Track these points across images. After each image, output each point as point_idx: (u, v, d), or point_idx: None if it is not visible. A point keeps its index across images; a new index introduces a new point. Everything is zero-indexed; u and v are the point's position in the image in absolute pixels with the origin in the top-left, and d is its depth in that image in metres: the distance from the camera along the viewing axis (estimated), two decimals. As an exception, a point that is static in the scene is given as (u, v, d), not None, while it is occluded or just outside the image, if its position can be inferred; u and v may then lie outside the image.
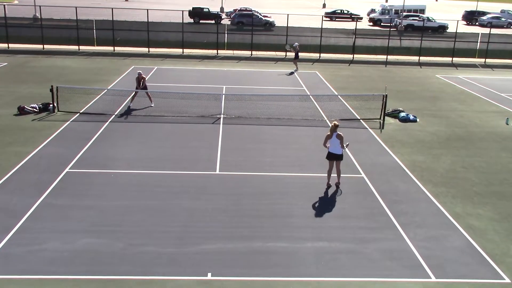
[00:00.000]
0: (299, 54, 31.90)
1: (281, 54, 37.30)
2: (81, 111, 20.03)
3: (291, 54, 33.28)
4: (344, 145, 13.41)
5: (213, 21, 55.18)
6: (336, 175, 13.77)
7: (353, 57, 37.96)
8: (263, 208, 12.22)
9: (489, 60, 38.91)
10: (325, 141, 13.47)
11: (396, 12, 65.51)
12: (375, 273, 9.73)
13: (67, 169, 14.11)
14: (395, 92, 25.77)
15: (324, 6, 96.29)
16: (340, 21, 69.25)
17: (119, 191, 12.86)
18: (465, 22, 73.47)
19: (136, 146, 16.25)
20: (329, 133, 13.37)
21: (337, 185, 13.69)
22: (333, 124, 13.34)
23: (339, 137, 13.27)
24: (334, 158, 13.46)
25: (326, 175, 13.83)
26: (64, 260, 9.74)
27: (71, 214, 11.53)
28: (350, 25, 50.44)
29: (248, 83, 26.88)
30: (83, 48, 36.76)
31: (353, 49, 38.49)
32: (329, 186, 13.68)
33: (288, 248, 10.49)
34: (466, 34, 40.46)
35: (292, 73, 30.41)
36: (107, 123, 18.64)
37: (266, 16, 54.87)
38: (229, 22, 53.30)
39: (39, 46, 36.54)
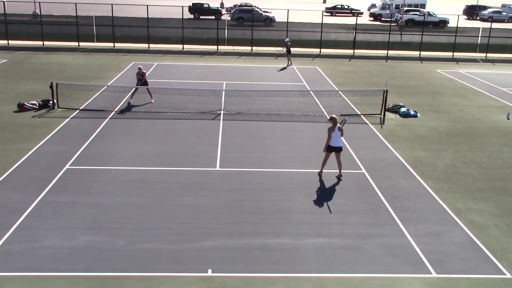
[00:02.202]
0: (291, 49, 31.84)
1: (281, 49, 37.17)
2: (81, 108, 20.00)
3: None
4: (342, 125, 13.73)
5: (213, 17, 55.08)
6: (336, 168, 13.88)
7: (353, 52, 37.87)
8: (263, 204, 12.20)
9: (490, 55, 38.80)
10: (329, 135, 13.54)
11: (397, 7, 65.36)
12: (376, 269, 9.71)
13: (67, 166, 14.09)
14: (395, 87, 25.70)
15: (324, 1, 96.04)
16: (340, 16, 69.08)
17: (119, 187, 12.84)
18: (466, 17, 73.24)
19: (136, 142, 16.22)
20: (331, 125, 13.51)
21: (339, 177, 13.81)
22: (335, 117, 13.52)
23: (341, 130, 13.51)
24: (335, 150, 13.60)
25: (322, 167, 13.97)
26: (64, 257, 9.73)
27: (72, 211, 11.52)
28: (350, 20, 50.34)
29: (249, 78, 26.83)
30: (83, 44, 36.68)
31: (354, 44, 38.38)
32: (320, 175, 13.91)
33: (288, 244, 10.47)
34: (467, 29, 40.34)
35: (284, 68, 30.35)
36: (107, 119, 18.61)
37: (266, 12, 54.73)
38: (229, 18, 53.16)
39: (39, 43, 36.48)
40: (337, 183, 13.57)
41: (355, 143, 16.79)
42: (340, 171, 13.89)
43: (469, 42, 39.10)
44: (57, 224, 10.94)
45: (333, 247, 10.43)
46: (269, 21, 49.56)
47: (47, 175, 13.41)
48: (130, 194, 12.47)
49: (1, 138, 16.24)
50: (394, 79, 28.14)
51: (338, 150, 13.65)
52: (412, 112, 20.61)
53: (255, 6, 57.64)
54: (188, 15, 52.63)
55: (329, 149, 13.68)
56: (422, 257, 10.15)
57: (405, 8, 60.90)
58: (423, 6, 68.16)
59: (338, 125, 13.47)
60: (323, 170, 14.06)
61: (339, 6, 72.73)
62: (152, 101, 21.22)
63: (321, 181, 13.70)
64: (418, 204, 12.53)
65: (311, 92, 23.70)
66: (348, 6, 72.87)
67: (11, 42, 36.35)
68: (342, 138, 13.79)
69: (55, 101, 19.87)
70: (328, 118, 14.07)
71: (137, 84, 21.13)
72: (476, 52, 39.29)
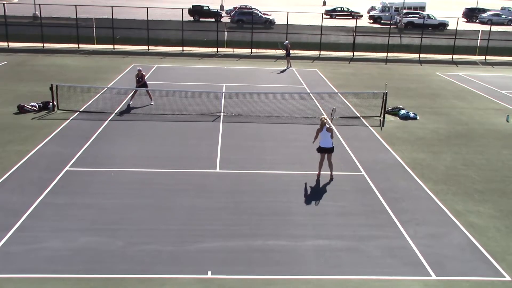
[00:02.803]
0: (290, 51, 31.76)
1: (281, 52, 37.19)
2: (81, 110, 20.02)
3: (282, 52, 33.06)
4: (331, 117, 14.26)
5: (213, 19, 55.11)
6: (328, 170, 14.04)
7: (353, 55, 37.90)
8: (263, 206, 12.20)
9: (489, 58, 38.84)
10: (316, 135, 13.84)
11: (396, 9, 65.40)
12: (375, 270, 9.71)
13: (67, 168, 14.09)
14: (395, 89, 25.73)
15: (324, 3, 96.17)
16: (340, 18, 69.14)
17: (119, 189, 12.85)
18: (465, 19, 73.32)
19: (136, 144, 16.23)
20: (319, 127, 13.66)
21: (331, 178, 13.96)
22: (323, 118, 13.78)
23: (330, 130, 13.63)
24: (325, 151, 13.74)
25: (319, 168, 14.04)
26: (64, 258, 9.73)
27: (71, 213, 11.52)
28: (350, 23, 50.36)
29: (248, 81, 26.85)
30: (82, 46, 36.71)
31: (353, 47, 38.41)
32: (317, 176, 13.99)
33: (288, 246, 10.47)
34: (467, 32, 40.39)
35: (284, 70, 30.36)
36: (107, 121, 18.62)
37: (266, 14, 54.77)
38: (229, 20, 53.21)
39: (39, 45, 36.49)
40: (336, 185, 13.58)
41: (354, 145, 16.81)
42: (331, 173, 13.95)
43: (469, 44, 39.14)
44: (57, 225, 10.94)
45: (332, 248, 10.43)
46: (269, 24, 49.60)
47: (47, 177, 13.41)
48: (130, 196, 12.48)
49: (1, 140, 16.25)
50: (393, 81, 28.16)
51: (328, 151, 13.76)
52: (411, 115, 20.63)
53: (255, 9, 57.70)
54: (188, 17, 52.68)
55: (320, 150, 13.83)
56: (422, 259, 10.15)
57: (404, 11, 60.98)
58: (422, 8, 68.20)
59: (327, 125, 13.59)
60: (321, 173, 14.08)
61: (339, 9, 72.78)
62: (152, 103, 21.23)
63: (320, 182, 13.71)
64: (418, 206, 12.54)
65: (310, 94, 23.72)
66: (348, 9, 72.92)
67: (11, 44, 36.36)
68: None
69: (55, 103, 19.87)
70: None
71: (136, 86, 21.15)
72: (475, 55, 39.32)
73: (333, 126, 13.99)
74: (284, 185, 13.44)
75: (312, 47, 38.21)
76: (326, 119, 13.80)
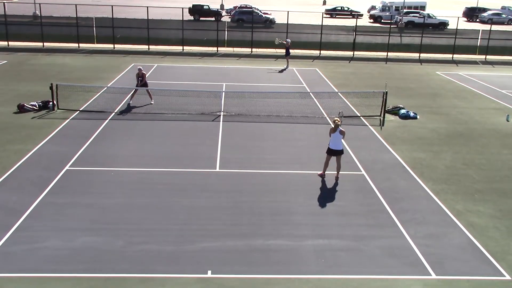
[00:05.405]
0: (290, 50, 31.66)
1: (281, 51, 37.19)
2: (81, 109, 20.02)
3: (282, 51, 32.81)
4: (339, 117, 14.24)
5: (213, 19, 55.11)
6: (335, 170, 13.96)
7: (353, 54, 37.89)
8: (263, 205, 12.20)
9: (489, 57, 38.83)
10: (330, 133, 13.78)
11: (397, 9, 65.38)
12: (375, 270, 9.71)
13: (67, 167, 14.09)
14: (395, 89, 25.73)
15: (324, 3, 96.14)
16: (340, 18, 69.13)
17: (119, 188, 12.85)
18: (465, 19, 73.30)
19: (136, 143, 16.23)
20: (333, 128, 13.65)
21: (336, 179, 13.88)
22: (338, 121, 13.62)
23: (342, 133, 13.60)
24: (335, 153, 13.66)
25: (324, 168, 14.03)
26: (64, 258, 9.73)
27: (71, 212, 11.52)
28: (350, 22, 50.36)
29: (248, 80, 26.85)
30: (83, 45, 36.70)
31: (354, 46, 38.41)
32: (322, 176, 13.94)
33: (288, 245, 10.48)
34: (467, 31, 40.37)
35: (284, 69, 30.33)
36: (107, 120, 18.62)
37: (266, 13, 54.75)
38: (229, 19, 53.19)
39: (39, 44, 36.49)
40: (336, 185, 13.59)
41: (354, 144, 16.81)
42: (337, 174, 13.92)
43: (469, 44, 39.14)
44: (57, 225, 10.94)
45: (332, 248, 10.43)
46: (269, 23, 49.58)
47: (47, 176, 13.41)
48: (130, 195, 12.48)
49: (1, 139, 16.25)
50: (393, 81, 28.16)
51: (338, 153, 13.71)
52: (411, 114, 20.63)
53: (255, 8, 57.67)
54: (188, 16, 52.67)
55: (329, 152, 13.76)
56: (422, 259, 10.16)
57: (405, 10, 60.95)
58: (423, 8, 68.16)
59: (341, 128, 13.56)
60: (325, 172, 14.06)
61: (339, 8, 72.74)
62: (152, 102, 21.23)
63: (320, 182, 13.71)
64: (418, 205, 12.54)
65: (310, 93, 23.72)
66: (348, 8, 72.87)
67: (11, 43, 36.36)
68: (342, 140, 13.78)
69: (55, 102, 19.88)
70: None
71: (137, 85, 21.15)
72: (475, 54, 39.32)
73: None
74: (284, 185, 13.44)
75: (312, 46, 38.21)
76: (340, 122, 13.68)
